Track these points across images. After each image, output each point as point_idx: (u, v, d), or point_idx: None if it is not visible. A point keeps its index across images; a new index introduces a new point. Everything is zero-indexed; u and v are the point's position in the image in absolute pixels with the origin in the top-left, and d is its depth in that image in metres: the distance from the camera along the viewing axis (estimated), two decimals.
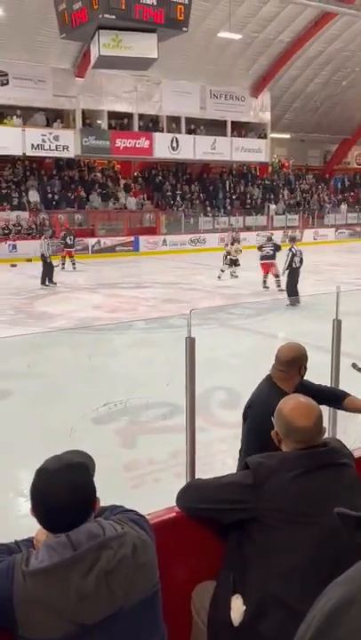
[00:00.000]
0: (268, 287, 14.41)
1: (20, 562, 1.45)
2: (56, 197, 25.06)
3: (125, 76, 24.24)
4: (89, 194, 25.98)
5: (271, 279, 14.26)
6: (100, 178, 27.43)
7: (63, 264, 19.03)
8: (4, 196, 24.02)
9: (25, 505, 4.66)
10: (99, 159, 27.23)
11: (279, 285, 13.79)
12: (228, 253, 16.70)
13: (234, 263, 16.61)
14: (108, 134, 25.09)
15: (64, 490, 1.47)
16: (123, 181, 28.13)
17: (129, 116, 26.08)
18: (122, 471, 4.85)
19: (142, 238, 25.22)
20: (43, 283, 14.97)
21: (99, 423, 5.92)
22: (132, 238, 25.02)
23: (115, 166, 28.57)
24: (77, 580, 1.42)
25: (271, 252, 14.33)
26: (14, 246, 21.84)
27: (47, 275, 15.09)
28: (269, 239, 15.62)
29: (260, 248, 14.85)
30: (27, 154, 23.81)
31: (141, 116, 26.46)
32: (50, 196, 24.98)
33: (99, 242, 24.13)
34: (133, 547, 1.51)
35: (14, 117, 23.48)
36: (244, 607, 1.79)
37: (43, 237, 16.68)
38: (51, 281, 15.12)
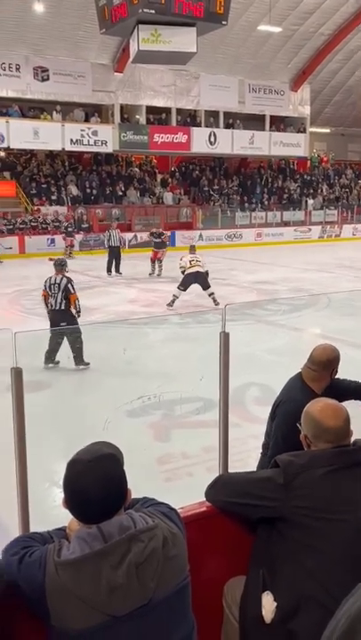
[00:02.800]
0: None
1: (53, 552, 1.47)
2: (94, 192, 25.26)
3: (164, 70, 24.26)
4: (126, 189, 26.11)
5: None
6: (138, 173, 27.53)
7: (70, 253, 20.21)
8: (43, 191, 24.33)
9: (59, 496, 4.74)
10: (136, 154, 27.33)
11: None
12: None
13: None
14: (147, 129, 25.15)
15: (96, 481, 1.49)
16: (160, 176, 28.17)
17: (167, 110, 26.10)
18: (155, 464, 4.88)
19: (178, 233, 25.22)
20: (108, 271, 16.73)
21: (133, 416, 5.96)
22: (168, 233, 25.03)
23: (152, 161, 28.63)
24: (108, 572, 1.43)
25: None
26: (53, 240, 22.11)
27: (114, 264, 16.74)
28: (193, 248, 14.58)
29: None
30: (66, 149, 24.06)
31: (179, 111, 26.44)
32: (88, 190, 25.19)
33: (135, 236, 24.23)
34: (164, 539, 1.52)
35: (54, 113, 23.74)
36: (276, 604, 1.79)
37: (111, 228, 17.76)
38: (117, 270, 16.75)
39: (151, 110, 25.72)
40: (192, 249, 12.91)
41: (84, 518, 1.51)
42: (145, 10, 11.59)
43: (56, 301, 7.74)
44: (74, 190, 24.97)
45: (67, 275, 8.06)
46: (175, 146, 25.85)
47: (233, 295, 13.09)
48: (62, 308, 7.73)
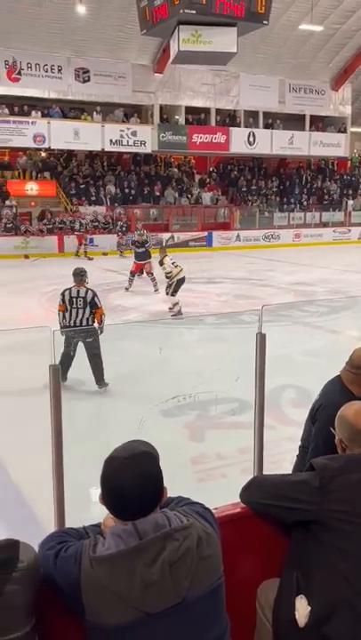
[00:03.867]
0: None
1: (88, 547, 1.49)
2: (132, 192, 25.43)
3: (204, 70, 24.26)
4: (164, 189, 26.20)
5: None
6: (177, 173, 27.60)
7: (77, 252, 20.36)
8: (82, 191, 24.61)
9: (95, 493, 4.79)
10: (175, 154, 27.41)
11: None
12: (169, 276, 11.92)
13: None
14: (185, 129, 25.20)
15: (133, 478, 1.50)
16: (198, 177, 28.19)
17: (206, 110, 26.11)
18: (189, 464, 4.89)
19: (216, 233, 25.21)
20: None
21: (168, 416, 5.98)
22: (205, 233, 25.06)
23: (190, 161, 28.67)
24: (142, 569, 1.44)
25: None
26: (91, 240, 22.34)
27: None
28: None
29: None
30: (105, 149, 24.29)
31: (219, 111, 26.41)
32: (127, 191, 25.37)
33: (172, 237, 24.30)
34: (198, 539, 1.52)
35: (94, 113, 23.99)
36: (309, 608, 1.78)
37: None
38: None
39: (190, 110, 25.77)
40: (163, 250, 12.56)
41: (120, 515, 1.52)
42: (186, 10, 11.62)
43: (81, 317, 7.02)
44: (112, 190, 25.18)
45: (88, 286, 7.35)
46: (214, 146, 25.83)
47: (270, 296, 13.01)
48: (90, 323, 7.03)
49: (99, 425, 5.36)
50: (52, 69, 22.40)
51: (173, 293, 11.52)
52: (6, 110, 22.41)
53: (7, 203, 22.74)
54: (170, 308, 11.59)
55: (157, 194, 25.82)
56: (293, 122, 27.76)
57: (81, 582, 1.45)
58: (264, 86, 26.38)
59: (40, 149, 24.18)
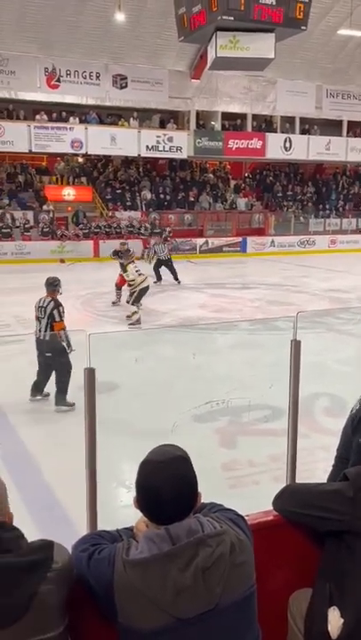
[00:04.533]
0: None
1: (121, 550, 1.49)
2: (167, 198, 25.55)
3: (240, 76, 24.25)
4: (199, 194, 26.26)
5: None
6: (212, 179, 27.62)
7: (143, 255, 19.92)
8: (118, 197, 24.83)
9: (126, 496, 4.81)
10: (210, 160, 27.45)
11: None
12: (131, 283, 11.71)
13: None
14: (221, 135, 25.22)
15: (170, 482, 1.51)
16: (233, 182, 28.16)
17: (242, 116, 26.09)
18: (220, 470, 4.87)
19: (250, 239, 25.13)
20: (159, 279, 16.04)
21: (199, 421, 5.97)
22: (239, 239, 25.00)
23: (226, 167, 28.67)
24: (175, 574, 1.44)
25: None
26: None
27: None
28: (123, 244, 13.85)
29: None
30: (141, 155, 24.47)
31: (255, 117, 26.38)
32: (162, 196, 25.50)
33: (206, 242, 24.33)
34: (231, 546, 1.51)
35: (131, 119, 24.21)
36: (342, 620, 1.75)
37: (156, 244, 17.19)
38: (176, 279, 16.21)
39: (226, 116, 25.78)
40: (129, 256, 12.41)
41: (154, 518, 1.53)
42: (224, 17, 11.62)
43: (40, 328, 6.67)
44: (148, 196, 25.34)
45: (58, 297, 6.91)
46: (250, 152, 25.79)
47: (305, 303, 12.89)
48: (46, 338, 6.59)
49: (131, 428, 5.39)
50: (90, 76, 22.69)
51: (134, 302, 11.36)
52: (45, 117, 22.79)
53: (44, 207, 23.09)
54: (128, 317, 11.39)
55: (192, 199, 25.89)
56: (330, 127, 27.51)
57: (114, 585, 1.46)
58: (301, 92, 26.23)
59: (77, 155, 24.49)
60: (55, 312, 6.66)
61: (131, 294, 11.50)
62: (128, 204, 24.78)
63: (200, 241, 24.17)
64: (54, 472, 4.80)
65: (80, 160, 25.44)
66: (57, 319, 6.66)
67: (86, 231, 22.55)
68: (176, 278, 16.28)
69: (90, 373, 2.58)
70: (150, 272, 15.10)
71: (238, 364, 7.95)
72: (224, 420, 6.05)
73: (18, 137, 21.80)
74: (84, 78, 22.63)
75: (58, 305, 6.72)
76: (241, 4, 11.51)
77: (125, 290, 12.29)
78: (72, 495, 3.88)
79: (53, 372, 6.64)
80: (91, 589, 1.51)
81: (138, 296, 11.39)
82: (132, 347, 7.80)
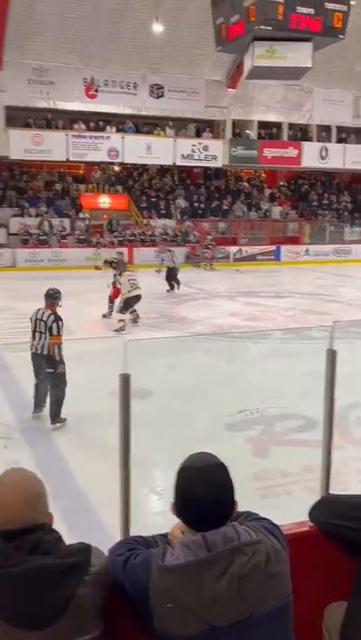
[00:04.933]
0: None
1: (157, 556, 1.50)
2: (201, 206, 25.62)
3: (277, 85, 24.23)
4: (233, 203, 26.27)
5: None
6: (247, 187, 27.61)
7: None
8: (152, 205, 25.01)
9: (158, 502, 4.82)
10: (245, 169, 27.44)
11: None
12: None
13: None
14: (257, 144, 25.22)
15: (209, 489, 1.51)
16: (268, 190, 28.08)
17: (278, 125, 26.05)
18: (251, 480, 4.84)
19: (284, 248, 24.99)
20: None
21: (232, 430, 5.95)
22: (273, 247, 24.89)
23: (260, 175, 28.62)
24: (210, 581, 1.44)
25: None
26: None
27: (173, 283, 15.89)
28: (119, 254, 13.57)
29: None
30: (177, 164, 24.62)
31: (291, 126, 26.30)
32: (196, 204, 25.59)
33: (240, 250, 24.29)
34: (267, 555, 1.51)
35: (167, 128, 24.39)
36: None
37: (161, 251, 17.12)
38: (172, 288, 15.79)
39: (262, 125, 25.79)
40: (124, 265, 12.48)
41: (191, 524, 1.53)
42: (262, 27, 11.67)
43: (42, 342, 6.27)
44: (182, 204, 25.46)
45: (58, 310, 6.56)
46: (285, 160, 25.72)
47: (339, 312, 12.75)
48: (45, 352, 6.27)
49: (163, 434, 5.40)
50: (127, 86, 22.97)
51: (123, 310, 11.27)
52: (83, 126, 23.13)
53: (80, 215, 23.40)
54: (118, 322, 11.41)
55: (226, 207, 25.90)
56: None
57: (149, 590, 1.46)
58: (338, 100, 26.07)
59: (113, 163, 24.78)
60: (54, 326, 6.33)
61: (120, 302, 11.47)
62: (162, 212, 24.94)
63: (234, 249, 24.14)
64: (88, 476, 4.84)
65: (116, 168, 25.73)
66: (54, 333, 6.32)
67: (121, 239, 22.76)
68: (172, 286, 15.90)
69: (125, 380, 2.60)
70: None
71: (271, 373, 7.90)
72: (257, 430, 6.02)
73: (56, 146, 22.18)
74: (122, 88, 22.92)
75: (57, 319, 6.40)
76: (279, 13, 11.55)
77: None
78: (105, 500, 3.92)
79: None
80: (126, 594, 1.52)
81: (126, 304, 11.26)
82: (165, 354, 7.83)
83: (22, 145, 21.65)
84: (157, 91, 23.49)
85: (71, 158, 22.92)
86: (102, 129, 23.53)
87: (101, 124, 23.69)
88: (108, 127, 23.60)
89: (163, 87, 23.48)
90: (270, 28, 11.68)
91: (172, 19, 20.55)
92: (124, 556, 1.57)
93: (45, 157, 22.62)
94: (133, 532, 2.48)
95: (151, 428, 5.44)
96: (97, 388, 6.77)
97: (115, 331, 10.99)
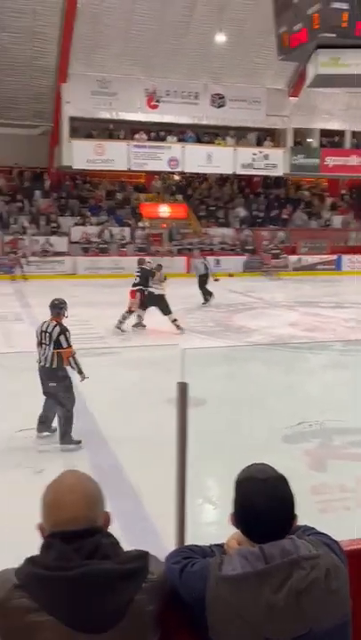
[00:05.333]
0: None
1: (214, 566, 1.48)
2: (261, 215, 25.49)
3: (339, 93, 23.88)
4: (293, 212, 26.01)
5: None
6: (307, 196, 27.29)
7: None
8: (211, 214, 25.07)
9: (213, 512, 4.79)
10: (306, 177, 27.14)
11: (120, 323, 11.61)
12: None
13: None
14: (318, 152, 24.92)
15: (270, 501, 1.49)
16: (329, 199, 27.66)
17: (341, 133, 25.65)
18: (308, 493, 4.73)
19: (345, 257, 24.51)
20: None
21: (289, 441, 5.85)
22: (334, 257, 24.46)
23: (322, 184, 28.24)
24: (268, 594, 1.41)
25: (137, 280, 12.18)
26: (218, 261, 22.64)
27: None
28: (139, 262, 13.16)
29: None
30: (236, 172, 24.61)
31: (354, 134, 25.85)
32: (255, 213, 25.48)
33: (300, 259, 24.00)
34: (326, 571, 1.46)
35: (227, 137, 24.43)
36: None
37: (193, 257, 16.81)
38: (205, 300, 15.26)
39: (324, 133, 25.47)
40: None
41: (250, 536, 1.51)
42: (325, 34, 11.55)
43: (45, 355, 5.93)
44: (241, 213, 25.40)
45: (64, 321, 6.19)
46: (348, 169, 25.28)
47: None
48: (53, 365, 5.90)
49: (219, 444, 5.36)
50: (188, 96, 23.18)
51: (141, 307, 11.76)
52: (144, 136, 23.47)
53: (140, 224, 23.71)
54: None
55: (285, 216, 25.67)
56: None
57: (206, 599, 1.45)
58: None
59: (173, 173, 25.00)
60: (62, 338, 5.95)
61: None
62: (221, 220, 24.95)
63: (293, 258, 23.87)
64: (143, 483, 4.85)
65: (176, 178, 25.94)
66: (64, 346, 5.95)
67: (180, 247, 22.89)
68: (206, 299, 15.34)
69: (182, 388, 2.60)
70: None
71: (331, 385, 7.74)
72: (315, 442, 5.90)
73: (117, 156, 22.59)
74: (183, 98, 23.14)
75: (64, 330, 6.02)
76: (343, 20, 11.42)
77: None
78: (160, 507, 3.91)
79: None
80: (182, 602, 1.51)
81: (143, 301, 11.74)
82: (221, 363, 7.82)
83: (85, 155, 22.14)
84: (219, 100, 23.57)
85: (132, 168, 23.28)
86: (163, 139, 23.81)
87: (162, 133, 23.97)
88: (168, 137, 23.86)
89: (224, 96, 23.56)
90: (334, 35, 11.55)
91: (235, 29, 20.61)
92: (180, 564, 1.56)
93: (107, 167, 23.06)
94: (188, 541, 2.46)
95: (206, 437, 5.41)
96: (152, 396, 6.84)
97: (133, 326, 11.49)
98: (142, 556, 1.45)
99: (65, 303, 6.35)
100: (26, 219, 22.73)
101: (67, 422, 5.84)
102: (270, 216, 25.62)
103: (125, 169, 23.38)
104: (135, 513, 4.36)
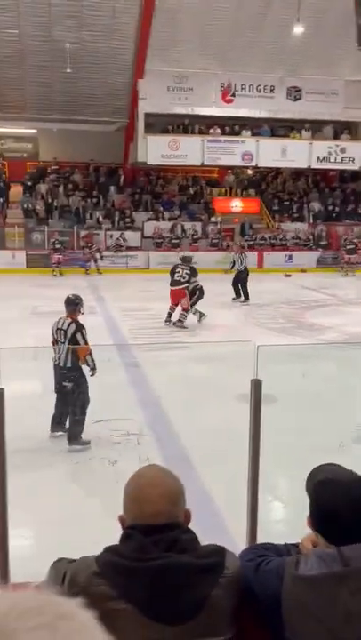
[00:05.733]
0: (170, 322, 11.73)
1: (290, 565, 1.48)
2: (336, 210, 24.92)
3: None
4: None
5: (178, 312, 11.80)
6: None
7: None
8: (285, 208, 24.73)
9: (282, 510, 4.76)
10: None
11: (181, 321, 11.64)
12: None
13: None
14: None
15: (351, 504, 1.48)
16: None
17: None
18: None
19: None
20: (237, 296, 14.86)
21: (360, 442, 5.72)
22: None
23: None
24: (346, 597, 1.40)
25: (186, 278, 11.97)
26: (290, 257, 22.34)
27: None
28: (185, 260, 12.73)
29: (172, 272, 12.20)
30: (312, 167, 24.14)
31: None
32: (330, 207, 24.94)
33: None
34: None
35: (303, 131, 24.00)
36: None
37: (231, 251, 16.47)
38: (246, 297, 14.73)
39: None
40: (185, 260, 12.58)
41: (329, 538, 1.50)
42: None
43: (60, 354, 5.78)
44: (316, 207, 24.92)
45: (79, 318, 6.02)
46: None
47: None
48: (67, 364, 5.76)
49: (291, 443, 5.32)
50: (264, 89, 22.91)
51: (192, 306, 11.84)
52: (218, 130, 23.41)
53: (212, 219, 23.70)
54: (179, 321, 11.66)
55: None
56: None
57: (282, 598, 1.45)
58: None
59: (247, 167, 24.81)
60: (79, 336, 5.82)
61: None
62: (295, 215, 24.58)
63: None
64: (214, 479, 4.89)
65: (249, 172, 25.74)
66: (81, 343, 5.81)
67: (251, 242, 22.74)
68: (237, 294, 14.91)
69: (256, 385, 2.60)
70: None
71: None
72: None
73: (191, 151, 22.64)
74: (259, 92, 22.90)
75: (80, 328, 5.87)
76: None
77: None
78: (231, 504, 3.93)
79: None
80: (256, 600, 1.52)
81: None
82: (293, 360, 7.71)
83: (159, 150, 22.32)
84: (295, 93, 23.18)
85: (206, 163, 23.26)
86: (238, 133, 23.65)
87: (237, 128, 23.82)
88: (243, 131, 23.68)
89: (300, 89, 23.14)
90: None
91: (314, 19, 20.14)
92: (255, 562, 1.57)
93: (181, 162, 23.17)
94: (259, 538, 2.46)
95: (276, 435, 5.37)
96: (223, 391, 6.85)
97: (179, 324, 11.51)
98: (219, 552, 1.47)
99: (80, 299, 6.15)
100: (100, 214, 23.20)
101: (76, 424, 5.74)
102: (346, 211, 25.00)
103: (199, 164, 23.41)
104: (205, 508, 4.39)
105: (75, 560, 1.51)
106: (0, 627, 0.43)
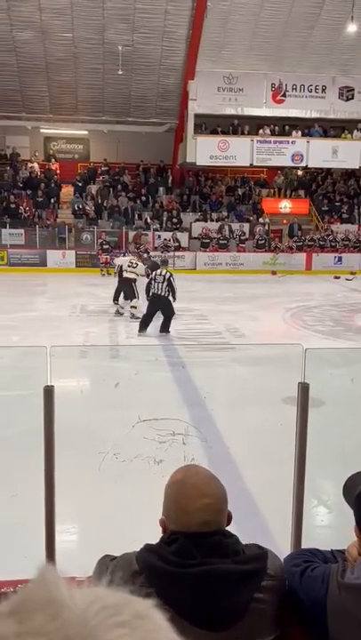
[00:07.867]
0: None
1: (336, 572, 1.46)
2: None
3: None
4: None
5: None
6: None
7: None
8: (335, 209, 24.36)
9: (327, 516, 4.70)
10: None
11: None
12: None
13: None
14: None
15: None
16: None
17: None
18: None
19: None
20: None
21: None
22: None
23: None
24: None
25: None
26: (340, 258, 21.99)
27: None
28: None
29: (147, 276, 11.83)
30: None
31: None
32: None
33: None
34: None
35: (355, 131, 23.57)
36: None
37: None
38: None
39: None
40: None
41: None
42: None
43: (159, 289, 10.55)
44: None
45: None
46: None
47: None
48: (163, 293, 10.53)
49: (336, 448, 5.24)
50: (315, 89, 22.63)
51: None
52: (268, 131, 23.24)
53: (260, 220, 23.55)
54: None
55: None
56: None
57: (327, 605, 1.43)
58: None
59: (297, 168, 24.55)
60: (172, 279, 10.76)
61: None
62: (345, 216, 24.18)
63: None
64: (256, 482, 4.86)
65: (299, 173, 25.47)
66: (173, 284, 10.76)
67: (300, 244, 22.49)
68: None
69: (304, 389, 2.59)
70: None
71: None
72: None
73: (241, 151, 22.55)
74: (310, 92, 22.64)
75: (172, 275, 10.94)
76: None
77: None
78: (274, 505, 3.90)
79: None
80: (301, 605, 1.51)
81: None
82: (338, 364, 7.58)
83: (208, 151, 22.33)
84: (347, 93, 22.80)
85: (255, 163, 23.14)
86: (288, 133, 23.42)
87: (287, 128, 23.59)
88: (293, 132, 23.44)
89: (353, 89, 22.74)
90: None
91: None
92: (300, 567, 1.55)
93: (230, 163, 23.10)
94: (303, 543, 2.44)
95: (323, 439, 5.30)
96: (269, 393, 6.80)
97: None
98: (262, 556, 1.45)
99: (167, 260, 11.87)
100: (149, 214, 23.36)
101: (168, 317, 10.68)
102: None
103: (248, 165, 23.30)
104: (248, 510, 4.38)
105: (117, 557, 1.53)
106: (79, 623, 0.44)
